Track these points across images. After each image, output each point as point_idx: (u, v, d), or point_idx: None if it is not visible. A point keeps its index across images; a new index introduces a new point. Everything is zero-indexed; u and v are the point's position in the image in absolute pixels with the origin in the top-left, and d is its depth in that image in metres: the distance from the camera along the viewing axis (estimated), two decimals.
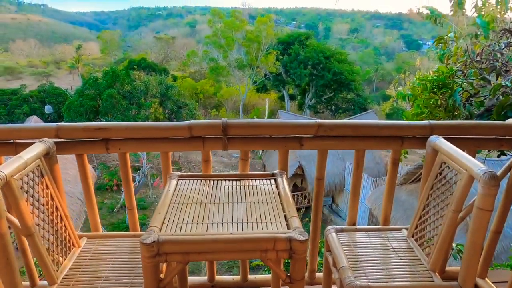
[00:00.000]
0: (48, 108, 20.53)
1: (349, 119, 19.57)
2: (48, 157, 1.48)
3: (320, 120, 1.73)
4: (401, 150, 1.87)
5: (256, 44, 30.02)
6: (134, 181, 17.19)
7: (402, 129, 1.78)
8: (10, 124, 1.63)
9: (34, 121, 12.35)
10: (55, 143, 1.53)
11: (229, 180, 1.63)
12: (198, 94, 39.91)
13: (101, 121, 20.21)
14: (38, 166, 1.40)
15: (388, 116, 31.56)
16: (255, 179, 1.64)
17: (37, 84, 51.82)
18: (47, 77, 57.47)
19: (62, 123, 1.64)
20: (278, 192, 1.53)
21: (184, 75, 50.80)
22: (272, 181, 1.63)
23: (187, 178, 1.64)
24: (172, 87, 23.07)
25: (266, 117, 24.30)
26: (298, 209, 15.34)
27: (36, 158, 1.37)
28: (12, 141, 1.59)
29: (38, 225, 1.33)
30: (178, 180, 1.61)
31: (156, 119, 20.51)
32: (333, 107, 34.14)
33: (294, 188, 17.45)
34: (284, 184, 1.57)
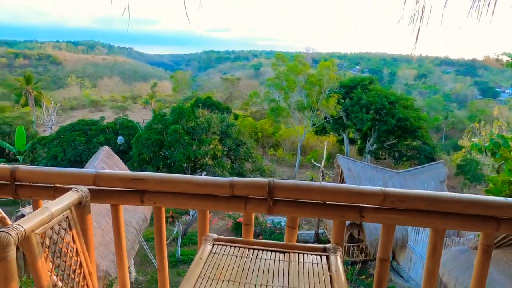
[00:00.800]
0: (120, 139, 22.34)
1: (415, 169, 18.14)
2: (80, 206, 1.38)
3: (387, 189, 1.42)
4: (495, 235, 1.45)
5: (317, 87, 30.17)
6: (188, 213, 17.48)
7: (500, 208, 1.37)
8: (51, 168, 1.60)
9: (105, 151, 13.37)
10: (91, 190, 1.44)
11: (272, 251, 1.38)
12: (257, 133, 40.71)
13: (165, 153, 21.33)
14: (67, 217, 1.29)
15: (460, 168, 28.78)
16: (303, 253, 1.36)
17: (115, 116, 57.49)
18: (124, 111, 63.55)
19: (101, 170, 1.57)
20: (330, 276, 1.23)
21: (246, 114, 52.60)
22: (324, 258, 1.34)
23: (224, 243, 1.42)
24: (232, 125, 23.78)
25: (323, 161, 23.61)
26: (352, 263, 14.09)
27: (66, 209, 1.27)
28: (52, 185, 1.55)
29: (55, 286, 1.20)
30: (213, 245, 1.41)
31: (215, 156, 21.07)
32: (396, 154, 32.24)
33: (350, 239, 16.25)
34: (339, 265, 1.28)
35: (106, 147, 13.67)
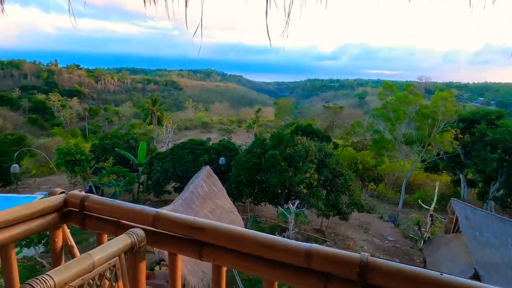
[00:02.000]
0: (222, 160, 23.70)
1: None
2: (133, 252, 1.20)
3: None
4: None
5: (430, 120, 27.15)
6: None
7: None
8: (115, 201, 1.50)
9: (207, 171, 14.19)
10: (150, 232, 1.26)
11: None
12: (357, 164, 38.54)
13: (261, 178, 21.69)
14: (114, 266, 1.12)
15: None
16: None
17: (221, 137, 62.04)
18: (229, 133, 68.13)
19: (161, 210, 1.40)
20: None
21: (346, 143, 50.64)
22: None
23: None
24: (330, 154, 22.94)
25: (434, 203, 20.75)
26: None
27: (113, 256, 1.10)
28: (116, 220, 1.44)
29: None
30: None
31: (310, 185, 20.49)
32: None
33: None
34: None
35: (208, 167, 14.54)
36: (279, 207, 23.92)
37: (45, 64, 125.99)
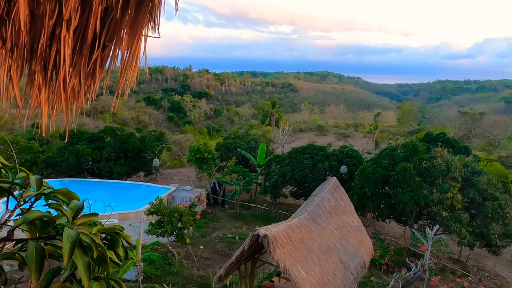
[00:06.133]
0: (343, 168, 22.14)
1: None
2: None
3: None
4: None
5: None
6: (409, 270, 14.81)
7: None
8: None
9: (333, 183, 13.05)
10: None
11: None
12: (508, 184, 31.63)
13: (388, 191, 19.36)
14: None
15: None
16: None
17: (336, 141, 59.72)
18: (345, 138, 65.10)
19: None
20: None
21: (491, 157, 42.41)
22: None
23: None
24: (480, 172, 19.00)
25: None
26: None
27: None
28: None
29: None
30: None
31: (452, 207, 17.24)
32: None
33: None
34: None
35: (334, 179, 13.38)
36: (407, 226, 21.06)
37: (182, 69, 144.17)
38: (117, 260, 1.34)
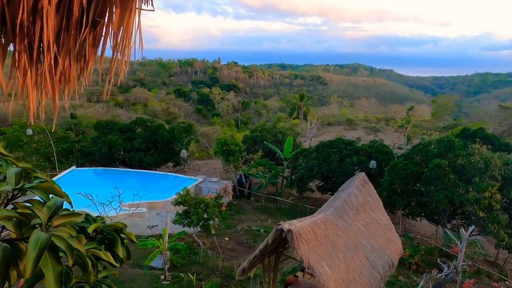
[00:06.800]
0: (372, 163, 21.42)
1: None
2: None
3: None
4: None
5: None
6: (440, 271, 14.17)
7: None
8: None
9: (362, 178, 12.64)
10: None
11: None
12: None
13: (420, 188, 18.58)
14: None
15: None
16: None
17: (366, 135, 58.07)
18: (376, 132, 63.15)
19: None
20: None
21: None
22: None
23: None
24: None
25: None
26: None
27: None
28: None
29: None
30: None
31: (490, 207, 16.26)
32: None
33: None
34: None
35: (363, 174, 12.94)
36: (439, 226, 20.16)
37: (211, 62, 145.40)
38: (113, 262, 1.23)
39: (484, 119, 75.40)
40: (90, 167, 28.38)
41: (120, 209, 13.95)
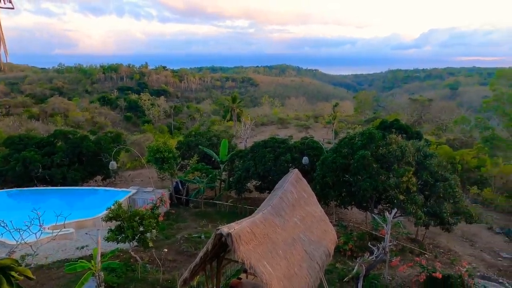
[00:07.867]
0: (305, 160, 22.43)
1: None
2: None
3: None
4: None
5: None
6: (371, 253, 15.34)
7: None
8: None
9: (295, 175, 13.11)
10: None
11: None
12: (455, 165, 33.92)
13: (349, 179, 19.92)
14: None
15: None
16: None
17: (298, 133, 60.61)
18: (306, 129, 66.28)
19: None
20: None
21: (440, 141, 45.21)
22: None
23: None
24: (431, 155, 20.09)
25: None
26: None
27: None
28: None
29: None
30: None
31: (408, 190, 18.09)
32: None
33: None
34: None
35: (296, 171, 13.45)
36: (368, 212, 21.84)
37: (138, 67, 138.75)
38: None
39: (398, 111, 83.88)
40: (2, 189, 25.13)
41: (42, 232, 12.54)
